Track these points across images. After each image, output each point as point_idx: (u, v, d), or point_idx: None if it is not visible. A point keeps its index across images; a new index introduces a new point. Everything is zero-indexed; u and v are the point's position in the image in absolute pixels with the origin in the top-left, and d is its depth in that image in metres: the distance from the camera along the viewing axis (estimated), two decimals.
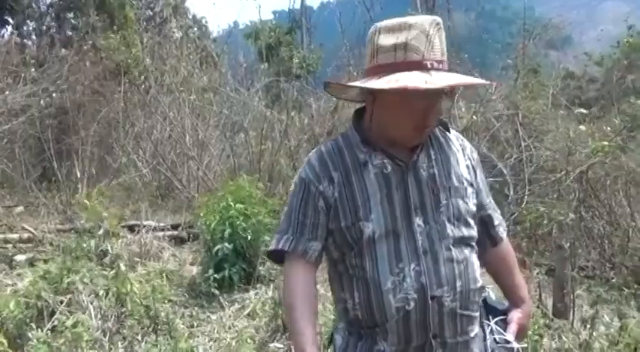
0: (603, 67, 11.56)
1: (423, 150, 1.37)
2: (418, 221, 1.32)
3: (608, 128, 5.76)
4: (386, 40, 1.29)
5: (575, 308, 3.80)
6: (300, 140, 7.15)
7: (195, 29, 14.52)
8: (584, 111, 6.56)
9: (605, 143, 5.00)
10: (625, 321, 3.44)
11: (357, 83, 1.35)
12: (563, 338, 3.35)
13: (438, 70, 1.26)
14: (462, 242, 1.35)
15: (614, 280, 4.75)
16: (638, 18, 13.78)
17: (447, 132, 1.46)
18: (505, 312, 1.47)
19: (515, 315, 1.46)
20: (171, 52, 9.01)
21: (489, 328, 1.42)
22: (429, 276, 1.29)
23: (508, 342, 1.39)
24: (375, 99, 1.34)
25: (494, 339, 1.40)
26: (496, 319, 1.44)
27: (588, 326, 3.50)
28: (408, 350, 1.32)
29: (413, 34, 1.26)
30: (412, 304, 1.28)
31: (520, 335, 1.45)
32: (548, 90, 6.76)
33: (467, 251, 1.36)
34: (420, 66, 1.25)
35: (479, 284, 1.37)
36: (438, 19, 1.30)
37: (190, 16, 15.26)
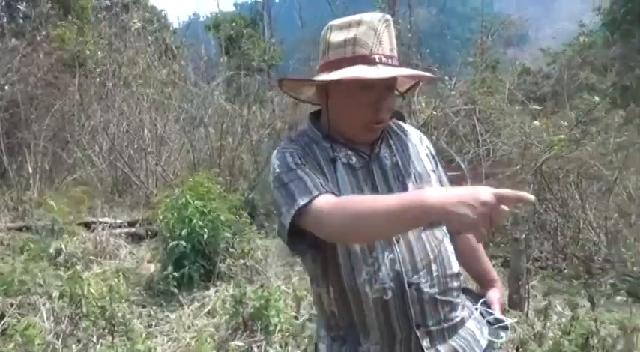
0: (557, 64, 11.91)
1: (383, 141, 1.39)
2: None
3: (565, 123, 5.94)
4: (337, 37, 1.31)
5: (530, 299, 3.91)
6: (261, 135, 7.10)
7: (155, 20, 14.20)
8: (538, 107, 6.75)
9: (562, 136, 5.16)
10: (576, 311, 3.56)
11: (308, 78, 1.36)
12: (519, 329, 3.45)
13: (385, 64, 1.28)
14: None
15: (565, 271, 4.92)
16: (591, 16, 14.23)
17: (403, 124, 1.48)
18: (481, 296, 1.49)
19: (494, 295, 1.47)
20: (129, 44, 8.79)
21: (478, 311, 1.41)
22: (404, 263, 1.27)
23: (500, 321, 1.38)
24: (328, 96, 1.35)
25: (488, 321, 1.40)
26: (480, 300, 1.45)
27: (542, 316, 3.61)
28: (394, 346, 1.28)
29: (362, 29, 1.29)
30: (390, 293, 1.26)
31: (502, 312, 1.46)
32: (505, 86, 6.92)
33: (439, 235, 1.35)
34: (367, 60, 1.27)
35: (455, 270, 1.36)
36: (388, 16, 1.32)
37: (149, 8, 14.90)
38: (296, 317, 3.58)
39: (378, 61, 1.27)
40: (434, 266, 1.30)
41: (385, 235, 1.23)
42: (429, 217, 1.05)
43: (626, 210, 5.50)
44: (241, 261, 4.41)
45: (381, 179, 1.34)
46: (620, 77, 9.44)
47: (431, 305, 1.29)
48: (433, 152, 1.49)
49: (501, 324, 1.38)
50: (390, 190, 1.32)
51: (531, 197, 1.01)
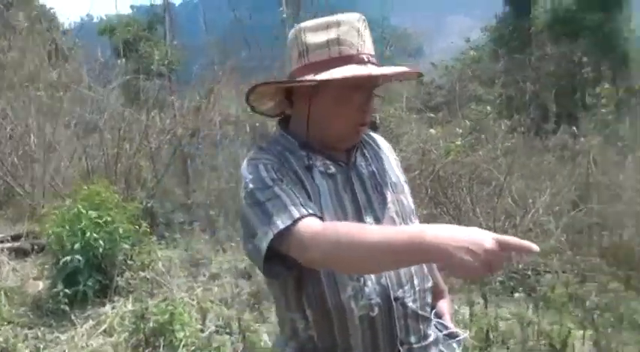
0: (448, 76, 12.69)
1: (358, 150, 1.35)
2: (369, 220, 1.25)
3: (460, 130, 6.31)
4: (316, 37, 1.25)
5: None
6: (161, 141, 6.84)
7: (42, 19, 13.24)
8: (433, 115, 7.15)
9: (459, 143, 5.48)
10: (473, 308, 3.78)
11: (300, 80, 1.24)
12: None
13: (372, 63, 1.25)
14: None
15: None
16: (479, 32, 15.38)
17: (372, 133, 1.45)
18: (432, 307, 1.44)
19: (444, 307, 1.44)
20: (14, 44, 8.12)
21: (433, 324, 1.37)
22: (389, 277, 1.22)
23: (456, 336, 1.35)
24: (311, 100, 1.26)
25: (444, 335, 1.36)
26: (432, 312, 1.40)
27: None
28: None
29: (343, 29, 1.24)
30: (376, 310, 1.19)
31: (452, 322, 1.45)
32: (403, 95, 7.24)
33: None
34: (357, 59, 1.23)
35: (431, 283, 1.33)
36: (363, 17, 1.28)
37: (38, 6, 13.87)
38: (202, 330, 3.47)
39: (366, 60, 1.24)
40: (416, 280, 1.26)
41: (377, 269, 1.15)
42: (427, 256, 1.00)
43: (511, 212, 5.92)
44: (141, 274, 4.20)
45: (359, 187, 1.29)
46: (505, 89, 10.22)
47: (413, 320, 1.25)
48: (400, 163, 1.48)
49: (458, 339, 1.37)
50: (368, 199, 1.28)
51: (535, 247, 0.95)
